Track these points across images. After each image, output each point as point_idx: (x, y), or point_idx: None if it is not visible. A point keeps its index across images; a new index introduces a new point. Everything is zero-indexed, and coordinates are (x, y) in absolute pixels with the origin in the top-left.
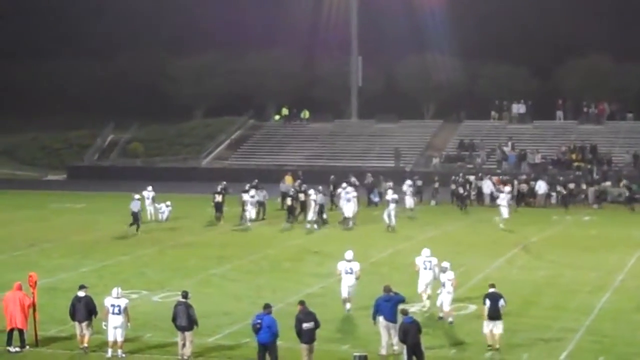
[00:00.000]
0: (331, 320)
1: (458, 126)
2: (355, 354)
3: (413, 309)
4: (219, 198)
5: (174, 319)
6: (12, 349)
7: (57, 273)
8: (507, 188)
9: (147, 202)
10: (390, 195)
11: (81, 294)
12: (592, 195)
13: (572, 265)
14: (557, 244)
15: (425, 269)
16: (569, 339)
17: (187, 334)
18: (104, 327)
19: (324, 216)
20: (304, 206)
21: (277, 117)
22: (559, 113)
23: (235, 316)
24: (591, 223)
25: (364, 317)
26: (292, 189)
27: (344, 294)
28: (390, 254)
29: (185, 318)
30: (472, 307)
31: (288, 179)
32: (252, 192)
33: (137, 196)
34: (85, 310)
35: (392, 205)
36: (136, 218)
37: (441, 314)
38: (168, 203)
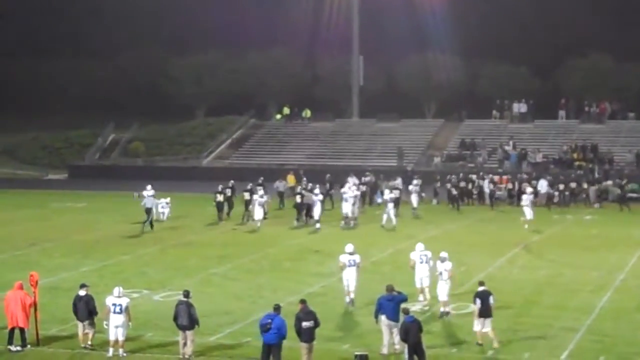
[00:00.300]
0: (332, 319)
1: (459, 125)
2: (357, 353)
3: (414, 308)
4: (220, 197)
5: (175, 318)
6: (13, 347)
7: (58, 272)
8: (530, 189)
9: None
10: (387, 194)
11: (82, 292)
12: (593, 195)
13: (573, 264)
14: (558, 243)
15: (421, 262)
16: (570, 338)
17: (188, 333)
18: (105, 327)
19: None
20: (310, 206)
21: (278, 116)
22: (562, 112)
23: (236, 315)
24: (592, 222)
25: (364, 316)
26: (300, 188)
27: (346, 286)
28: (391, 253)
29: (186, 317)
30: (473, 307)
31: (290, 178)
32: (261, 191)
33: (151, 192)
34: (86, 309)
35: (390, 205)
36: (149, 214)
37: (442, 309)
38: (168, 200)
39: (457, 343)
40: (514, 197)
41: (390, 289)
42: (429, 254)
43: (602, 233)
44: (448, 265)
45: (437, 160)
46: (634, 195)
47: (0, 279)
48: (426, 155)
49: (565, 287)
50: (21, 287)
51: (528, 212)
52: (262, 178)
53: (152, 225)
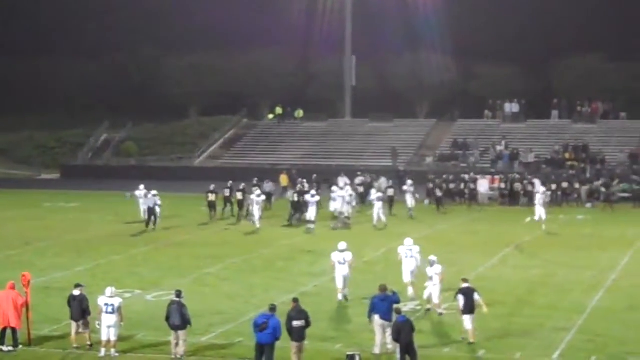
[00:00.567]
0: (324, 319)
1: (452, 125)
2: (349, 352)
3: (406, 307)
4: (212, 197)
5: (168, 318)
6: (5, 348)
7: (51, 272)
8: (543, 188)
9: (141, 201)
10: (374, 194)
11: (76, 292)
12: (584, 195)
13: (565, 264)
14: (550, 243)
15: (406, 257)
16: (561, 338)
17: (181, 333)
18: (97, 327)
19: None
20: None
21: (271, 116)
22: (554, 112)
23: (228, 315)
24: (584, 222)
25: (356, 316)
26: (298, 187)
27: (339, 284)
28: (384, 253)
29: (178, 317)
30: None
31: (283, 178)
32: (259, 191)
33: (153, 192)
34: (80, 308)
35: (378, 204)
36: (153, 214)
37: (429, 306)
38: (154, 192)
39: (449, 343)
40: (506, 197)
41: (383, 288)
42: (417, 248)
43: (595, 233)
44: (438, 268)
45: (429, 160)
46: (626, 195)
47: None
48: (418, 155)
49: (558, 287)
50: (13, 287)
51: (541, 211)
52: (256, 178)
53: (149, 224)
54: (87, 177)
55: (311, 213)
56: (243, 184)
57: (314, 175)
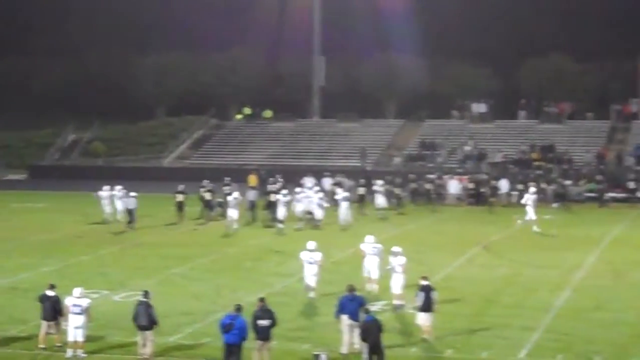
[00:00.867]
0: (292, 319)
1: (420, 125)
2: (316, 352)
3: (374, 307)
4: (180, 197)
5: (135, 319)
6: None
7: (18, 273)
8: (533, 188)
9: (104, 201)
10: (340, 194)
11: (50, 293)
12: (551, 195)
13: (532, 263)
14: (517, 242)
15: (370, 254)
16: (528, 337)
17: (148, 333)
18: (64, 327)
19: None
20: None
21: (239, 116)
22: (522, 113)
23: (195, 316)
24: (551, 222)
25: (324, 316)
26: (275, 187)
27: (307, 282)
28: (352, 253)
29: (145, 317)
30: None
31: (252, 178)
32: (236, 194)
33: (133, 193)
34: (53, 309)
35: (344, 204)
36: (131, 214)
37: (396, 301)
38: (119, 188)
39: (416, 342)
40: (474, 197)
41: (351, 289)
42: (380, 246)
43: (561, 233)
44: (402, 259)
45: (397, 160)
46: (592, 195)
47: None
48: (386, 155)
49: (524, 286)
50: None
51: (531, 212)
52: (229, 178)
53: (132, 223)
54: (54, 178)
55: (280, 212)
56: (211, 185)
57: (277, 176)
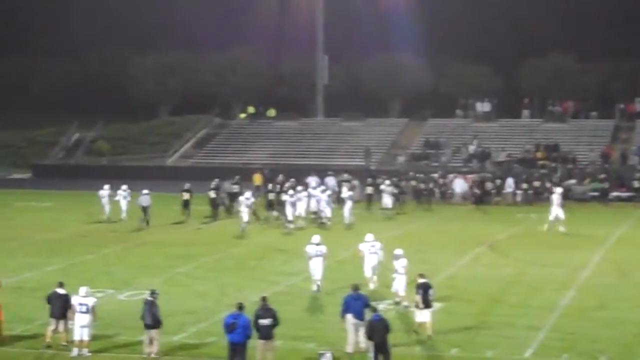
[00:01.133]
0: (297, 319)
1: (423, 124)
2: (321, 351)
3: (381, 306)
4: (186, 196)
5: (142, 317)
6: None
7: (22, 272)
8: (559, 189)
9: (104, 200)
10: (346, 192)
11: (61, 291)
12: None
13: (537, 262)
14: (522, 241)
15: (369, 253)
16: (533, 336)
17: (153, 332)
18: (70, 326)
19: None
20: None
21: (242, 115)
22: (526, 112)
23: (200, 315)
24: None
25: (329, 315)
26: (277, 187)
27: (313, 275)
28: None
29: (150, 316)
30: (437, 305)
31: (256, 177)
32: (248, 194)
33: (145, 191)
34: (63, 307)
35: (348, 203)
36: (146, 212)
37: (397, 299)
38: (124, 187)
39: (421, 341)
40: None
41: (356, 288)
42: (378, 244)
43: (566, 231)
44: (403, 262)
45: (401, 159)
46: (596, 194)
47: None
48: (390, 154)
49: (529, 286)
50: None
51: (559, 212)
52: (238, 176)
53: (147, 222)
54: (58, 177)
55: (289, 212)
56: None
57: (280, 176)
